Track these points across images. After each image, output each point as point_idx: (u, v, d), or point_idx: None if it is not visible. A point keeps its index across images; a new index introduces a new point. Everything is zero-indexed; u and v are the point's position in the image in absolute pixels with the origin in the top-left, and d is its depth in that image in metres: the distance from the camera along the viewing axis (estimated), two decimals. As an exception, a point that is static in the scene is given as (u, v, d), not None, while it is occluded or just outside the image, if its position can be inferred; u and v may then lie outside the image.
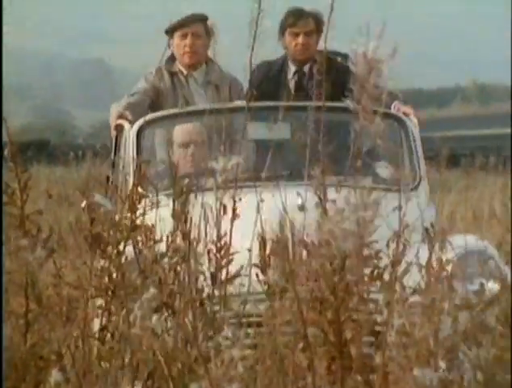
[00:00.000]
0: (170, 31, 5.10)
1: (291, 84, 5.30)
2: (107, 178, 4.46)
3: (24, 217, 2.92)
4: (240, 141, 4.56)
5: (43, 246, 2.90)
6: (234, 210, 3.03)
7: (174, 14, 5.30)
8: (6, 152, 2.97)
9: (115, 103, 5.00)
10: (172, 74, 5.16)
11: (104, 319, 3.02)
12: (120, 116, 4.85)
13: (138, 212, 3.18)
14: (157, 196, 3.37)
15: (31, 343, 2.82)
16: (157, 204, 3.28)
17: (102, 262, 3.04)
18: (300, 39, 5.23)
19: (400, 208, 3.23)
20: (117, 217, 3.11)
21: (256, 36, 2.94)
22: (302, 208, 3.34)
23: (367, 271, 2.21)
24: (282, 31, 5.29)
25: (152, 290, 2.84)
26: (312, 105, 4.35)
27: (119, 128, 4.83)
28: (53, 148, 25.07)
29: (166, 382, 2.61)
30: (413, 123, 4.80)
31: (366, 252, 2.15)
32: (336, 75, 4.83)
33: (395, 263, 2.35)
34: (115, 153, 4.82)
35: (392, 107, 4.89)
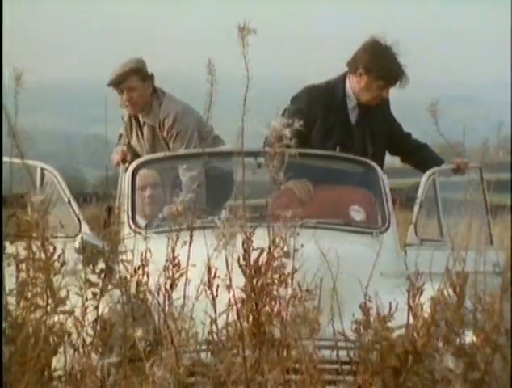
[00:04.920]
0: (112, 86, 5.26)
1: (353, 116, 4.85)
2: (109, 209, 4.54)
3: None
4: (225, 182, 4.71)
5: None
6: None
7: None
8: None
9: (115, 147, 5.35)
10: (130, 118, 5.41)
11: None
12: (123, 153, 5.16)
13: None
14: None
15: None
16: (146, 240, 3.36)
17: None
18: (381, 83, 4.73)
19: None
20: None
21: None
22: (287, 254, 3.19)
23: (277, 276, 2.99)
24: (360, 63, 4.76)
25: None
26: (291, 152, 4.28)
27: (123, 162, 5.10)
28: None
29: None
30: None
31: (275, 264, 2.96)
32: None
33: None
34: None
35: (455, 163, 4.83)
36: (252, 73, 2.94)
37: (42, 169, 4.51)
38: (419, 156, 5.02)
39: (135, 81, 5.20)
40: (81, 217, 4.51)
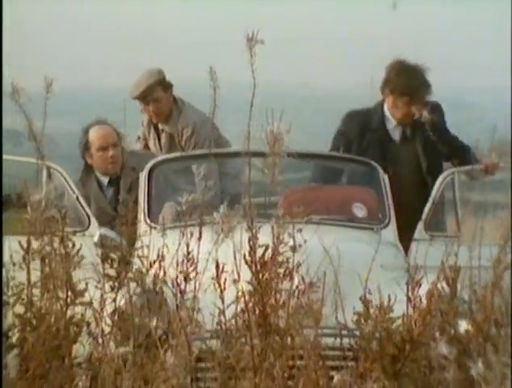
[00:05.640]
0: (138, 99, 5.42)
1: (395, 135, 5.13)
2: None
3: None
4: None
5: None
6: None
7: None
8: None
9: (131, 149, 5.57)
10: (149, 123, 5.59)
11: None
12: None
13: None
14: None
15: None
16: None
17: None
18: (405, 99, 5.01)
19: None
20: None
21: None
22: (294, 249, 3.40)
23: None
24: (386, 85, 5.08)
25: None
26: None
27: None
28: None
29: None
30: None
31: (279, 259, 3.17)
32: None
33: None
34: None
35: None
36: (257, 80, 3.10)
37: (48, 167, 4.51)
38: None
39: (159, 92, 5.34)
40: (89, 213, 4.66)
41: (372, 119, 5.12)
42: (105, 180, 5.20)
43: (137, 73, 5.41)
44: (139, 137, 5.61)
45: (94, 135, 5.15)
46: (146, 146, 5.57)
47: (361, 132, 5.07)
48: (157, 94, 5.34)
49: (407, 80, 5.01)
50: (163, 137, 5.47)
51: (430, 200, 4.71)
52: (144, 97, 5.36)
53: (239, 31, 3.09)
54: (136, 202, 4.68)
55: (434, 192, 4.74)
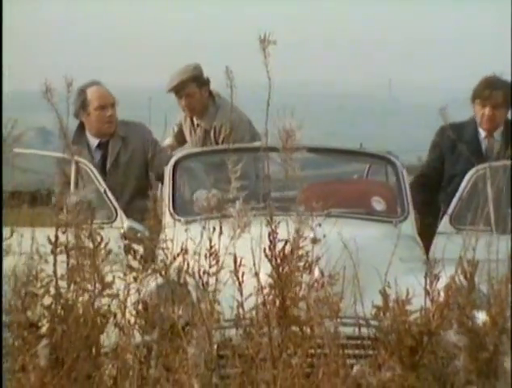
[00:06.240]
0: (173, 92, 5.53)
1: (483, 146, 5.31)
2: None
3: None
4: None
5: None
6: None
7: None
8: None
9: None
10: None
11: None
12: None
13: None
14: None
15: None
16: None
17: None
18: (487, 110, 5.25)
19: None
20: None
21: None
22: (315, 241, 3.49)
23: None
24: (473, 97, 5.32)
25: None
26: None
27: None
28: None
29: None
30: None
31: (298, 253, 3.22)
32: None
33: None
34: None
35: None
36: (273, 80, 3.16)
37: (77, 162, 4.67)
38: None
39: (193, 88, 5.46)
40: (116, 206, 4.74)
41: (465, 131, 5.27)
42: (94, 143, 5.27)
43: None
44: (174, 129, 5.75)
45: (92, 94, 5.22)
46: (180, 138, 5.68)
47: (453, 144, 5.19)
48: (189, 89, 5.45)
49: (481, 86, 5.22)
50: (198, 131, 5.58)
51: (458, 194, 4.77)
52: (177, 91, 5.47)
53: (253, 31, 3.15)
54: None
55: (462, 187, 4.79)
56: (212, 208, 3.59)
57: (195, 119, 5.58)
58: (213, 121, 5.46)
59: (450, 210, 4.74)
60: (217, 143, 5.42)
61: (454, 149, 5.21)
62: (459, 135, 5.21)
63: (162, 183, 5.00)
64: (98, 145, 5.27)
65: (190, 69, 5.49)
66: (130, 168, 5.22)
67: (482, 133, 5.29)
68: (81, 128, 5.29)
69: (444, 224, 4.69)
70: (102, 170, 5.11)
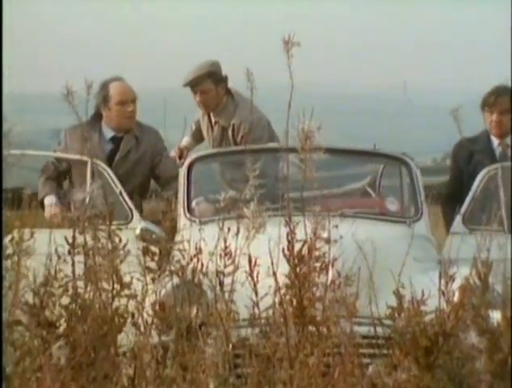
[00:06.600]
0: (188, 87, 5.53)
1: (497, 153, 5.42)
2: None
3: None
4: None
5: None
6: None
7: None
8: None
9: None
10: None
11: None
12: None
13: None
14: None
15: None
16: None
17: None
18: (494, 116, 5.36)
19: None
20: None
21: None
22: (331, 241, 3.48)
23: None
24: (482, 106, 5.42)
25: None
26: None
27: None
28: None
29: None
30: None
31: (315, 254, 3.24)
32: None
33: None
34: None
35: None
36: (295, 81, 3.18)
37: (93, 163, 4.68)
38: None
39: (208, 84, 5.43)
40: (132, 207, 4.75)
41: (478, 143, 5.37)
42: (108, 135, 5.31)
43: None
44: (191, 127, 5.73)
45: (115, 89, 5.27)
46: (198, 136, 5.66)
47: (470, 156, 5.33)
48: (204, 85, 5.43)
49: (497, 92, 5.32)
50: (216, 128, 5.55)
51: (470, 194, 4.79)
52: (192, 87, 5.46)
53: (272, 33, 3.16)
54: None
55: (474, 187, 4.82)
56: (229, 210, 3.61)
57: (212, 116, 5.55)
58: (231, 119, 5.43)
59: (462, 210, 4.76)
60: (235, 141, 5.40)
61: (470, 161, 5.30)
62: (474, 147, 5.30)
63: (162, 189, 5.06)
64: (112, 138, 5.31)
65: (207, 65, 5.47)
66: (136, 167, 5.25)
67: (495, 142, 5.38)
68: (96, 116, 5.31)
69: (457, 224, 4.71)
70: (109, 162, 5.14)
